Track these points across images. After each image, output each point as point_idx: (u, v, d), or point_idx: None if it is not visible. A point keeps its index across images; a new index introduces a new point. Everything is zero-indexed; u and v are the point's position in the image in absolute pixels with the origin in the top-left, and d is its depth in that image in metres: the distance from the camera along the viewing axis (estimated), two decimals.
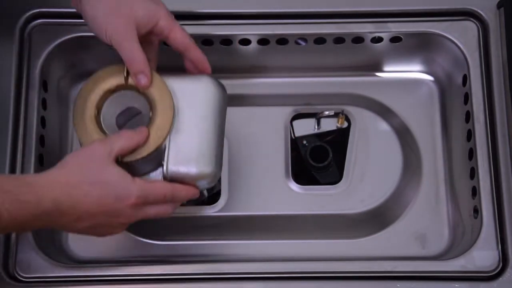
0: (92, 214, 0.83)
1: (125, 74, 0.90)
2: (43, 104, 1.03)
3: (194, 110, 0.90)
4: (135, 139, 0.86)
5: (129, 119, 0.91)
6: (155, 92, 0.89)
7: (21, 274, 0.94)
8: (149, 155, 0.87)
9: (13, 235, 0.95)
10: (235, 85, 1.11)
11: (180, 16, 1.04)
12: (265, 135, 1.08)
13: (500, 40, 1.02)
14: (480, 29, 1.03)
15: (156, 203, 0.87)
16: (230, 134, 1.06)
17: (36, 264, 0.94)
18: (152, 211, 0.87)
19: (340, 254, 1.04)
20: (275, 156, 1.07)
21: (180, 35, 0.90)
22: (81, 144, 0.90)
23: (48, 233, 1.00)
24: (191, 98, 0.90)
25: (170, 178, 0.89)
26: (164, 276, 0.95)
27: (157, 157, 0.89)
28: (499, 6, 1.03)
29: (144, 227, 1.03)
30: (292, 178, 1.07)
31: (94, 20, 0.86)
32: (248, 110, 1.10)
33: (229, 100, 1.07)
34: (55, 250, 0.99)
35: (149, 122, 0.89)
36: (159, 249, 1.04)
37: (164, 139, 0.88)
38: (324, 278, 0.95)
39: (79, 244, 1.03)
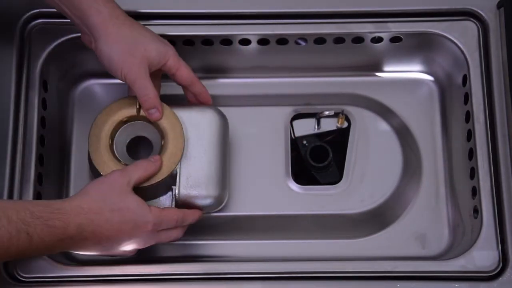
0: (111, 239, 0.89)
1: (137, 106, 0.98)
2: (43, 104, 1.03)
3: (201, 138, 0.98)
4: (150, 169, 0.94)
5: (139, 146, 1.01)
6: (166, 122, 0.98)
7: (22, 274, 0.94)
8: (162, 180, 0.95)
9: None
10: (235, 85, 1.11)
11: (181, 16, 1.04)
12: (265, 135, 1.08)
13: (500, 40, 1.02)
14: (480, 29, 1.03)
15: (168, 228, 0.94)
16: (231, 134, 1.06)
17: (36, 264, 0.94)
18: (164, 236, 0.94)
19: (340, 254, 1.04)
20: (275, 156, 1.07)
21: (186, 72, 0.98)
22: (90, 169, 0.99)
23: None
24: (198, 128, 0.99)
25: (182, 201, 0.97)
26: (164, 276, 0.95)
27: (168, 182, 0.97)
28: (499, 6, 1.03)
29: None
30: (292, 178, 1.07)
31: (110, 60, 0.93)
32: (248, 110, 1.10)
33: (230, 100, 1.08)
34: None
35: (161, 150, 0.97)
36: (159, 249, 1.04)
37: (176, 165, 0.96)
38: (324, 278, 0.95)
39: None
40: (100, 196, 0.88)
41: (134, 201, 0.90)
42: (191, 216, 0.96)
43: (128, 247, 0.92)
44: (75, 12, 0.93)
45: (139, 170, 0.93)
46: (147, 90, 0.94)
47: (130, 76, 0.93)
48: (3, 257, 0.83)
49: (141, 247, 0.93)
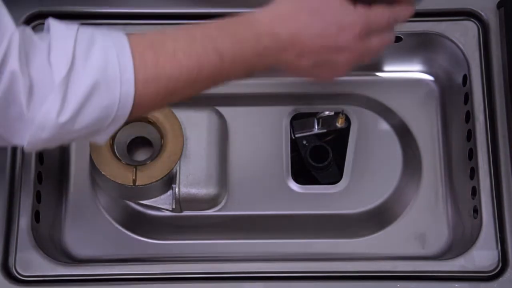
0: (313, 49, 0.77)
1: None
2: None
3: (200, 137, 1.01)
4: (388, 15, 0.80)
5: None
6: (165, 122, 1.00)
7: (20, 272, 0.94)
8: (162, 178, 0.97)
9: (13, 233, 0.95)
10: (235, 85, 1.10)
11: (180, 16, 1.04)
12: (265, 135, 1.08)
13: (500, 40, 1.02)
14: (480, 29, 1.04)
15: (379, 30, 0.80)
16: (231, 134, 1.06)
17: (35, 262, 0.94)
18: (375, 41, 0.80)
19: (340, 254, 1.03)
20: (275, 156, 1.07)
21: None
22: (91, 169, 1.00)
23: (47, 232, 1.00)
24: (197, 127, 1.01)
25: (182, 199, 0.99)
26: (164, 276, 0.95)
27: (167, 181, 0.99)
28: (499, 6, 1.03)
29: (144, 226, 1.03)
30: (292, 178, 1.06)
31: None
32: (248, 110, 1.10)
33: (229, 100, 1.08)
34: (54, 249, 0.99)
35: (161, 149, 0.99)
36: (159, 249, 1.03)
37: (176, 164, 0.98)
38: (324, 278, 0.95)
39: (78, 242, 1.03)
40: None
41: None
42: (403, 11, 0.81)
43: (336, 60, 0.78)
44: None
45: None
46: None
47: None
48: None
49: (351, 59, 0.79)
